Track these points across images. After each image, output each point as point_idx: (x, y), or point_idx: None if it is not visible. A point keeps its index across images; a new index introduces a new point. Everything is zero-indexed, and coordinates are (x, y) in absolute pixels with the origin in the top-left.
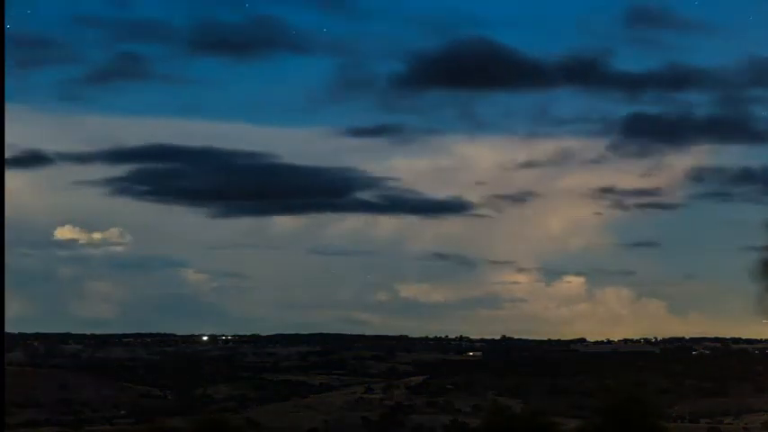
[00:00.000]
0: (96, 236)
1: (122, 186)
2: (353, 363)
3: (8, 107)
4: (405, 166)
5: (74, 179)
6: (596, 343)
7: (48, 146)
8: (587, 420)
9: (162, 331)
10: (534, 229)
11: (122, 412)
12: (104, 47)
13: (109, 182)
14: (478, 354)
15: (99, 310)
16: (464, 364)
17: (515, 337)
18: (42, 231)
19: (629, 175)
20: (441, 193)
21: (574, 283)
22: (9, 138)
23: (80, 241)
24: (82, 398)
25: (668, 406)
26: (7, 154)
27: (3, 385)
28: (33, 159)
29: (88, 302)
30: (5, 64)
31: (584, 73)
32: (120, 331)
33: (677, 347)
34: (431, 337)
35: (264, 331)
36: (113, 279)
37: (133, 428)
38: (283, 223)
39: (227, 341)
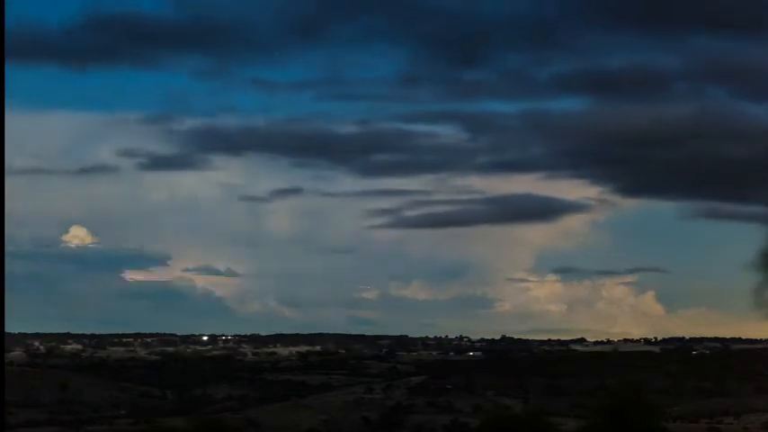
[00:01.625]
0: None
1: None
2: (353, 363)
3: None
4: None
5: None
6: (596, 343)
7: None
8: (587, 420)
9: (162, 331)
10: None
11: (122, 412)
12: None
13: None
14: (478, 354)
15: None
16: (464, 364)
17: (515, 337)
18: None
19: None
20: None
21: (573, 282)
22: None
23: None
24: (82, 398)
25: (668, 406)
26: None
27: (3, 385)
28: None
29: None
30: (5, 63)
31: None
32: (119, 331)
33: (677, 347)
34: (431, 337)
35: (264, 331)
36: None
37: (133, 428)
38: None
39: (226, 341)
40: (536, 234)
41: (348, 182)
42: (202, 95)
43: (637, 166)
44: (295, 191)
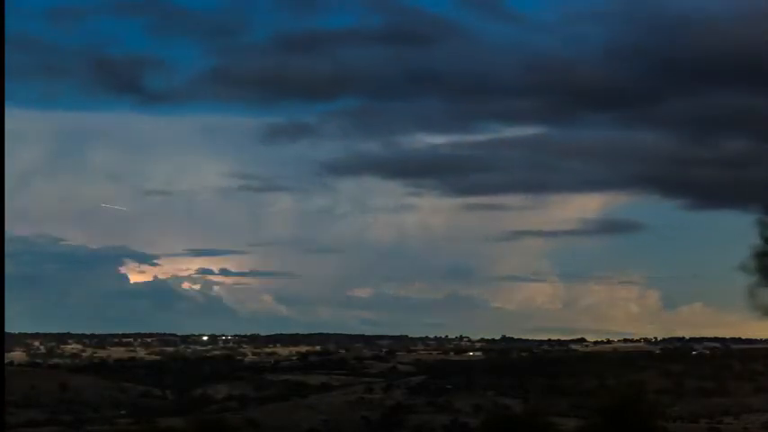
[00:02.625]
0: None
1: None
2: (353, 363)
3: None
4: None
5: None
6: (596, 343)
7: None
8: (587, 420)
9: (162, 331)
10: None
11: (122, 412)
12: None
13: None
14: (478, 354)
15: None
16: (464, 364)
17: (515, 337)
18: None
19: None
20: None
21: (574, 283)
22: None
23: None
24: (82, 398)
25: (668, 406)
26: None
27: (3, 385)
28: None
29: None
30: (5, 64)
31: None
32: (120, 331)
33: (677, 347)
34: (431, 337)
35: (264, 331)
36: None
37: (133, 428)
38: None
39: (226, 341)
40: (541, 239)
41: (448, 199)
42: (326, 128)
43: (700, 184)
44: (405, 208)
